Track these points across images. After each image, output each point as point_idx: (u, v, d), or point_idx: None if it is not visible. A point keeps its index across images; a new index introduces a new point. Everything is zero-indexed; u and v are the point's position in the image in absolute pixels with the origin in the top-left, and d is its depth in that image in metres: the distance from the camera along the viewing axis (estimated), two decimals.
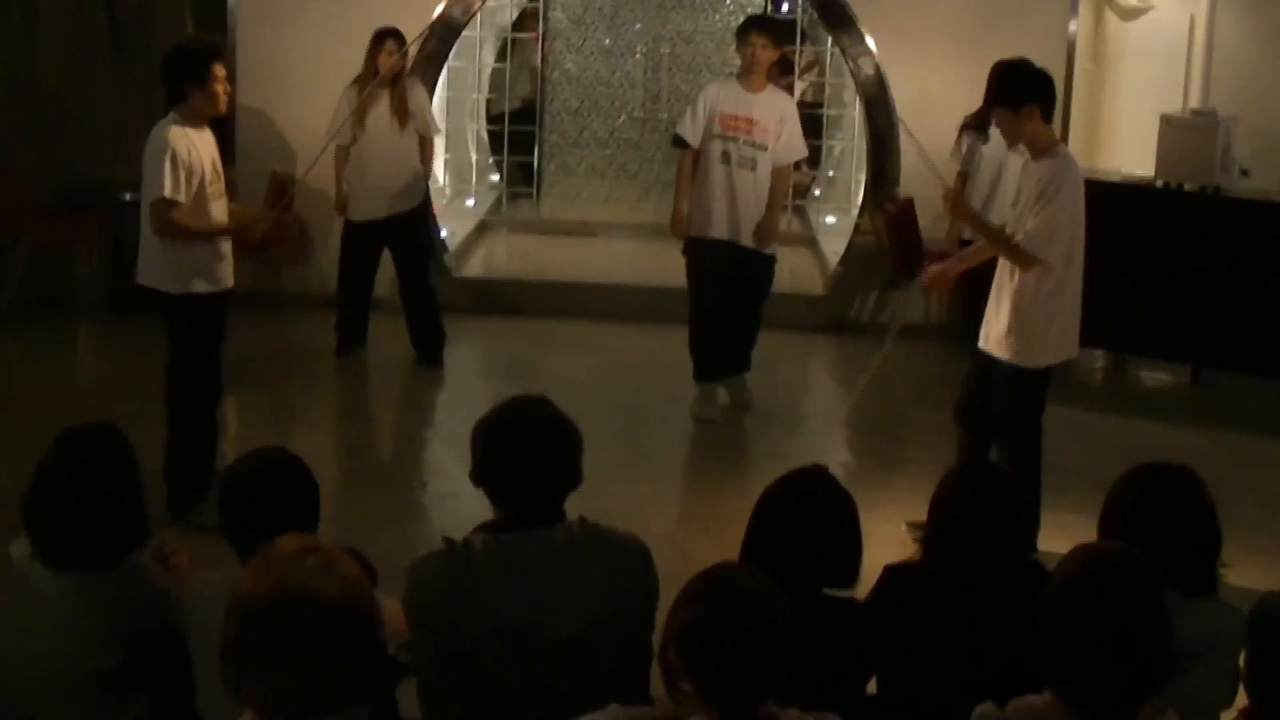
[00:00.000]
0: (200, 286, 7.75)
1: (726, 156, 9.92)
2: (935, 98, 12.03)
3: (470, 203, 16.13)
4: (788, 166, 10.26)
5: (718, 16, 17.39)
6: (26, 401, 9.90)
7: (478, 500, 4.25)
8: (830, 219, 16.28)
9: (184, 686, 4.18)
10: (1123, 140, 12.98)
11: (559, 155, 17.68)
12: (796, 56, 16.92)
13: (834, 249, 14.01)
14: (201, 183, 7.66)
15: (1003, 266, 7.60)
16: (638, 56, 17.66)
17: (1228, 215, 11.17)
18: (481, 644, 3.98)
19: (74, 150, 12.36)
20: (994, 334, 7.59)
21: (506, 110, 17.15)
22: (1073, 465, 8.57)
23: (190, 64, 7.66)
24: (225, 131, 10.51)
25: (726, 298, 10.13)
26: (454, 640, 4.00)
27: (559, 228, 16.20)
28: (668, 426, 10.18)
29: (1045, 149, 7.40)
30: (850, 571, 4.38)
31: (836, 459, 9.58)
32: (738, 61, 10.14)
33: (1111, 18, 13.26)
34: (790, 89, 15.01)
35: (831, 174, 17.39)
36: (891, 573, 4.59)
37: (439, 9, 12.46)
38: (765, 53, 9.90)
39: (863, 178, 13.95)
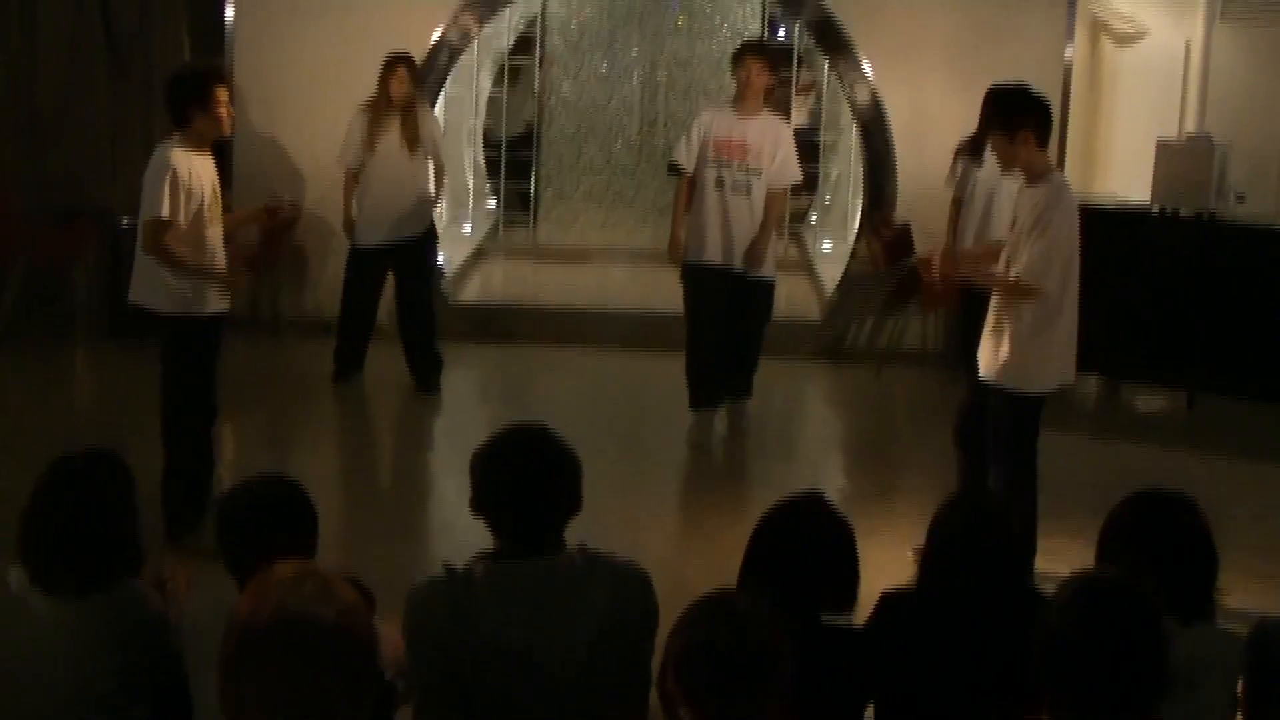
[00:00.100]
0: (192, 308, 7.76)
1: (720, 182, 9.92)
2: (931, 123, 12.06)
3: (467, 229, 16.14)
4: (782, 190, 10.24)
5: (714, 42, 17.41)
6: (23, 423, 9.89)
7: (476, 526, 4.25)
8: (827, 245, 16.29)
9: (181, 710, 4.17)
10: (1119, 165, 13.01)
11: (556, 181, 17.69)
12: (793, 81, 16.96)
13: (831, 275, 14.02)
14: (200, 206, 7.67)
15: (998, 292, 7.60)
16: (634, 82, 17.68)
17: (1224, 240, 11.19)
18: (480, 672, 3.97)
19: (71, 170, 12.36)
20: (990, 360, 7.59)
21: (504, 136, 17.16)
22: (1069, 491, 8.57)
23: (194, 86, 7.69)
24: (223, 155, 10.52)
25: (722, 324, 10.13)
26: (452, 668, 3.99)
27: (556, 253, 16.22)
28: (664, 453, 10.18)
29: (1039, 175, 7.40)
30: (848, 597, 4.38)
31: (834, 485, 9.60)
32: (734, 87, 10.14)
33: (1107, 43, 13.29)
34: (787, 113, 15.06)
35: (828, 200, 17.41)
36: (888, 599, 4.59)
37: (437, 34, 12.49)
38: (760, 77, 9.91)
39: (859, 203, 13.97)
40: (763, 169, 9.93)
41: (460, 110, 16.05)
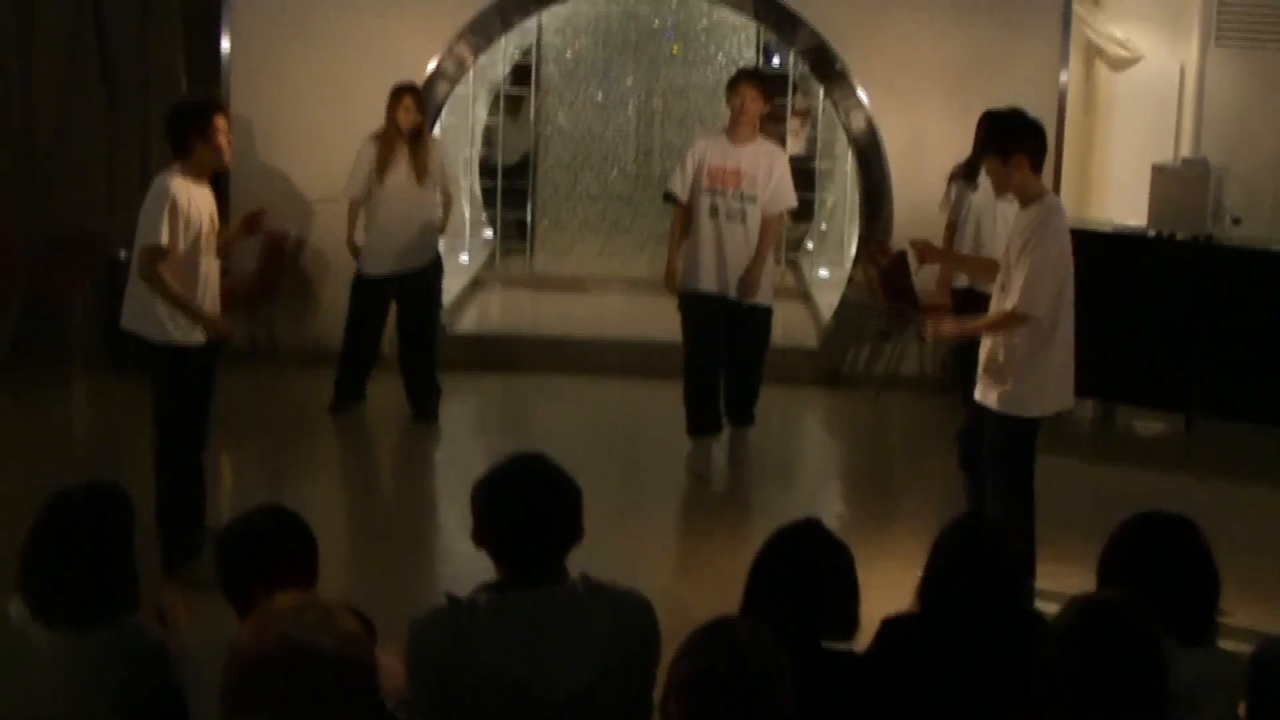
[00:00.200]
0: (182, 336, 7.77)
1: (715, 210, 9.92)
2: (927, 150, 12.09)
3: (464, 258, 16.14)
4: (777, 215, 10.24)
5: (709, 70, 17.43)
6: (20, 456, 9.88)
7: (477, 556, 4.24)
8: (823, 272, 16.30)
9: None
10: (1114, 190, 13.03)
11: (552, 210, 17.70)
12: (788, 108, 16.98)
13: (827, 302, 14.02)
14: (198, 236, 7.70)
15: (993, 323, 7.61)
16: (630, 111, 17.69)
17: (1220, 264, 11.20)
18: (483, 702, 3.96)
19: (67, 201, 12.37)
20: (985, 384, 7.60)
21: (500, 165, 17.17)
22: (1068, 515, 8.57)
23: (195, 116, 7.76)
24: (221, 186, 10.53)
25: (720, 352, 10.13)
26: (455, 698, 3.98)
27: (552, 283, 16.22)
28: (663, 481, 10.17)
29: (1032, 198, 7.41)
30: (849, 623, 4.37)
31: (833, 511, 9.60)
32: (729, 114, 10.14)
33: (1102, 68, 13.32)
34: (783, 140, 15.07)
35: (824, 227, 17.42)
36: (889, 625, 4.58)
37: (432, 65, 12.52)
38: (754, 104, 9.91)
39: (855, 230, 13.98)
40: (758, 196, 9.93)
41: (456, 140, 16.07)
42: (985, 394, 7.59)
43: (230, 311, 8.45)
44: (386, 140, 10.83)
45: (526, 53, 17.35)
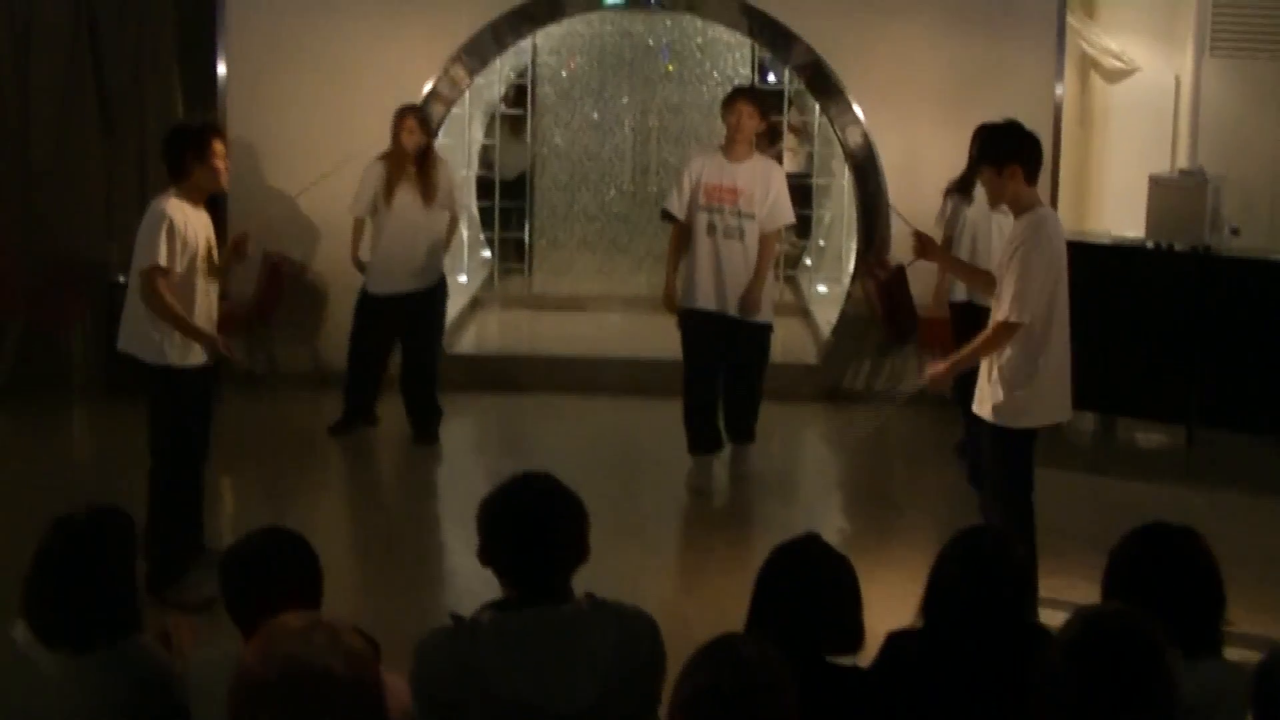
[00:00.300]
0: (179, 359, 7.79)
1: (712, 228, 9.92)
2: (923, 164, 12.09)
3: (463, 278, 16.15)
4: (775, 232, 10.23)
5: (705, 88, 17.46)
6: (21, 482, 9.87)
7: (480, 576, 4.24)
8: (822, 288, 16.30)
9: None
10: (1112, 202, 13.04)
11: (550, 230, 17.71)
12: (784, 124, 16.99)
13: (827, 318, 14.03)
14: (194, 259, 7.72)
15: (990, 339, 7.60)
16: (626, 130, 17.73)
17: (1219, 274, 11.19)
18: None
19: (65, 230, 12.37)
20: (980, 396, 7.61)
21: (497, 184, 17.18)
22: (1070, 528, 8.56)
23: (193, 138, 7.83)
24: (218, 209, 10.53)
25: (718, 369, 10.13)
26: (460, 717, 3.97)
27: (551, 302, 16.23)
28: (664, 499, 10.17)
29: (1025, 209, 7.43)
30: (853, 637, 4.37)
31: (834, 526, 9.60)
32: (725, 131, 10.14)
33: (1097, 80, 13.33)
34: (779, 157, 15.08)
35: (822, 243, 17.42)
36: (894, 639, 4.58)
37: (428, 86, 12.53)
38: (750, 121, 9.92)
39: (853, 246, 13.98)
40: (755, 213, 9.92)
41: (454, 161, 16.07)
42: (981, 405, 7.60)
43: (229, 334, 8.46)
44: (393, 162, 10.84)
45: (522, 73, 17.37)
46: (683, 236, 10.10)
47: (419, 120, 10.91)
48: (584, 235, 17.76)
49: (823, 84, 12.95)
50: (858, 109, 12.73)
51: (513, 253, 17.59)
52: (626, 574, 7.89)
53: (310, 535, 4.44)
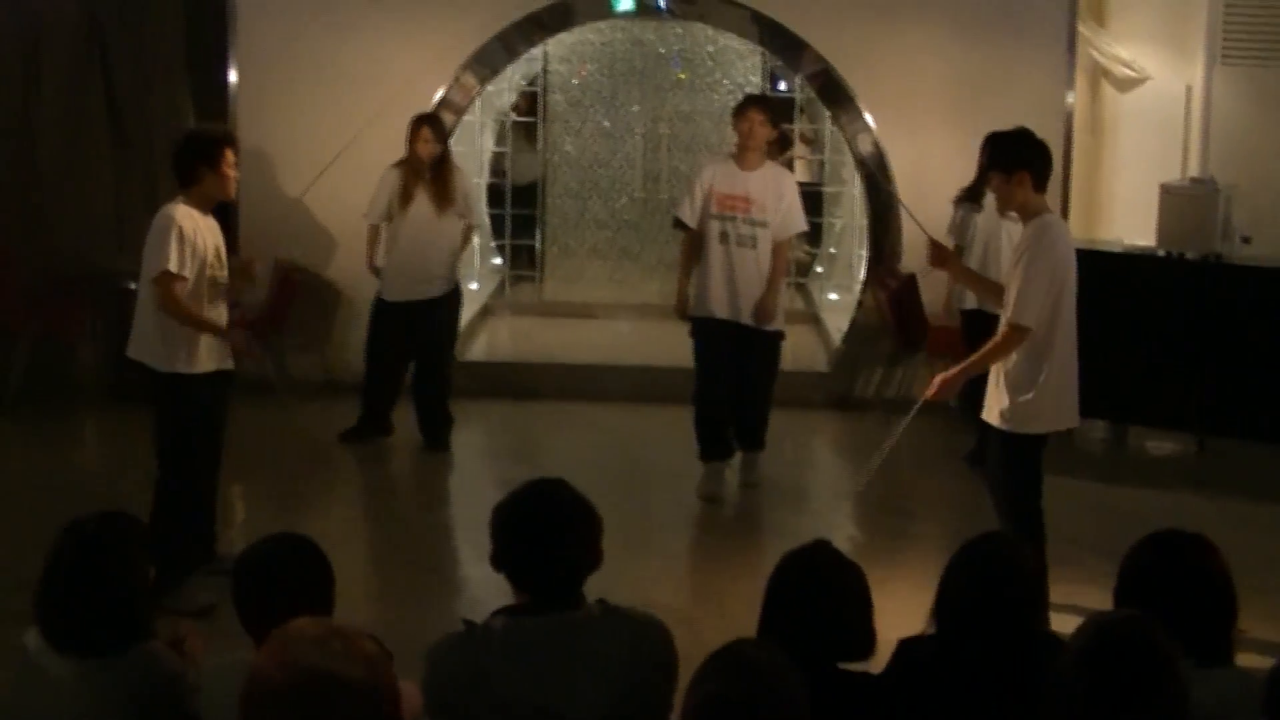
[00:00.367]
0: (188, 366, 7.81)
1: (725, 236, 9.92)
2: (933, 173, 12.09)
3: (474, 286, 16.17)
4: (787, 241, 10.24)
5: (715, 96, 17.48)
6: (32, 491, 9.89)
7: (491, 584, 4.24)
8: (833, 296, 16.31)
9: None
10: (1123, 210, 13.03)
11: (560, 238, 17.73)
12: (795, 133, 17.00)
13: (837, 326, 14.04)
14: (203, 266, 7.73)
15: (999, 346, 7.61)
16: (637, 138, 17.74)
17: (1230, 283, 11.18)
18: None
19: (75, 239, 12.39)
20: (988, 402, 7.64)
21: (509, 192, 17.20)
22: (1081, 536, 8.56)
23: (205, 146, 7.85)
24: (228, 219, 10.54)
25: (730, 377, 10.12)
26: None
27: (562, 310, 16.23)
28: (675, 506, 10.17)
29: (1033, 215, 7.45)
30: (864, 643, 4.36)
31: (845, 534, 9.59)
32: (736, 139, 10.15)
33: (1108, 89, 13.32)
34: (790, 165, 15.09)
35: (833, 251, 17.43)
36: (906, 646, 4.57)
37: (439, 94, 12.54)
38: (762, 129, 9.92)
39: (864, 254, 13.99)
40: (767, 220, 9.93)
41: (465, 169, 16.08)
42: (989, 412, 7.63)
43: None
44: (408, 170, 10.85)
45: (533, 81, 17.40)
46: (695, 245, 10.10)
47: (434, 130, 10.90)
48: (595, 243, 17.78)
49: (833, 92, 12.96)
50: (868, 117, 12.73)
51: (524, 260, 17.62)
52: (637, 581, 7.90)
53: (321, 543, 4.44)
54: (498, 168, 17.39)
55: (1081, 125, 12.98)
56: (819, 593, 4.34)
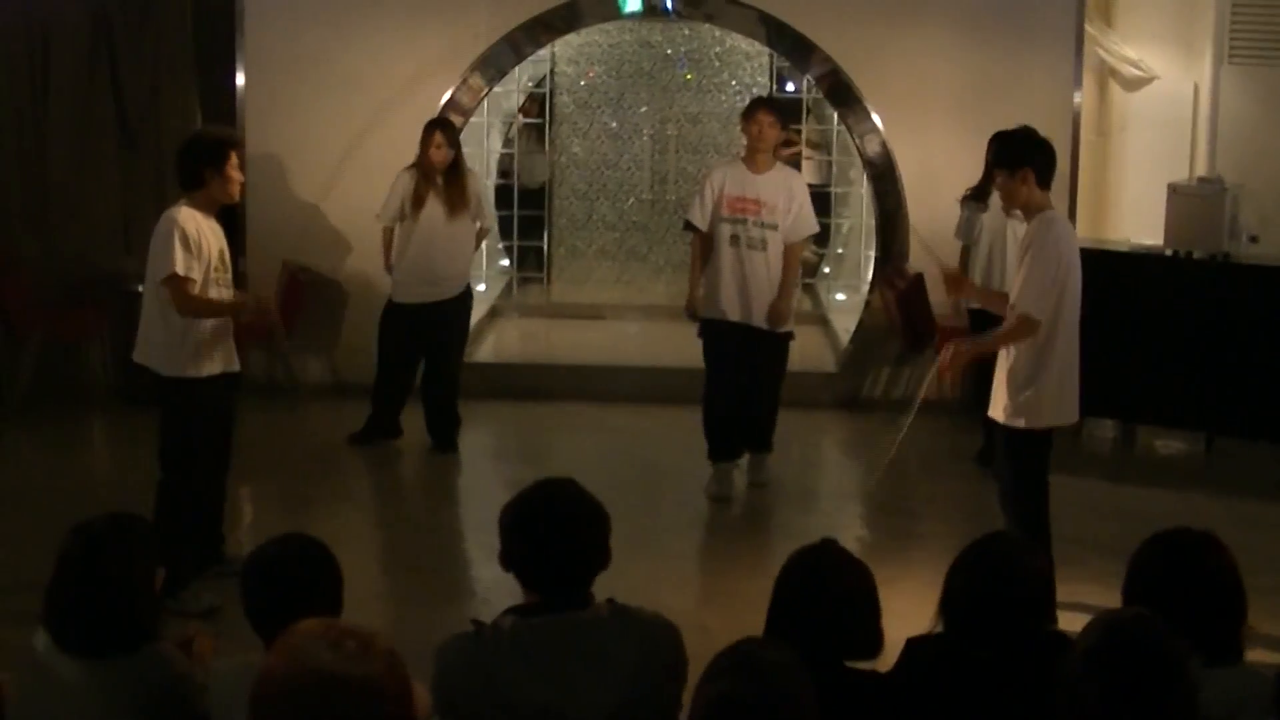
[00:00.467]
0: (193, 370, 7.82)
1: (736, 239, 9.93)
2: (942, 174, 12.08)
3: (481, 288, 16.16)
4: (799, 243, 10.25)
5: (723, 97, 17.48)
6: (41, 493, 9.90)
7: (500, 585, 4.25)
8: (840, 296, 16.32)
9: None
10: (1130, 210, 13.02)
11: (568, 239, 17.74)
12: (803, 134, 17.00)
13: (845, 326, 14.04)
14: (207, 268, 7.74)
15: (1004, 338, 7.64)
16: (644, 139, 17.74)
17: (1238, 282, 11.18)
18: None
19: (83, 242, 12.41)
20: (994, 399, 7.68)
21: (516, 194, 17.21)
22: (1088, 535, 8.56)
23: (210, 149, 7.85)
24: (234, 223, 10.55)
25: (739, 378, 10.13)
26: None
27: (570, 311, 16.24)
28: (683, 507, 10.17)
29: (1035, 212, 7.48)
30: (872, 642, 4.36)
31: (853, 534, 9.59)
32: (744, 142, 10.15)
33: (1115, 88, 13.32)
34: (799, 166, 15.07)
35: (840, 251, 17.43)
36: (914, 645, 4.57)
37: (446, 97, 12.54)
38: (771, 131, 9.92)
39: (872, 254, 13.98)
40: (778, 223, 9.93)
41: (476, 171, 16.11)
42: (994, 408, 7.68)
43: (248, 345, 8.50)
44: (421, 174, 10.84)
45: (540, 83, 17.41)
46: (705, 247, 10.10)
47: (447, 135, 10.90)
48: (602, 244, 17.78)
49: (841, 93, 12.96)
50: (876, 118, 12.73)
51: (532, 261, 17.63)
52: (646, 581, 7.88)
53: (329, 544, 4.44)
54: (505, 169, 17.39)
55: (1089, 125, 12.99)
56: (826, 592, 4.34)
